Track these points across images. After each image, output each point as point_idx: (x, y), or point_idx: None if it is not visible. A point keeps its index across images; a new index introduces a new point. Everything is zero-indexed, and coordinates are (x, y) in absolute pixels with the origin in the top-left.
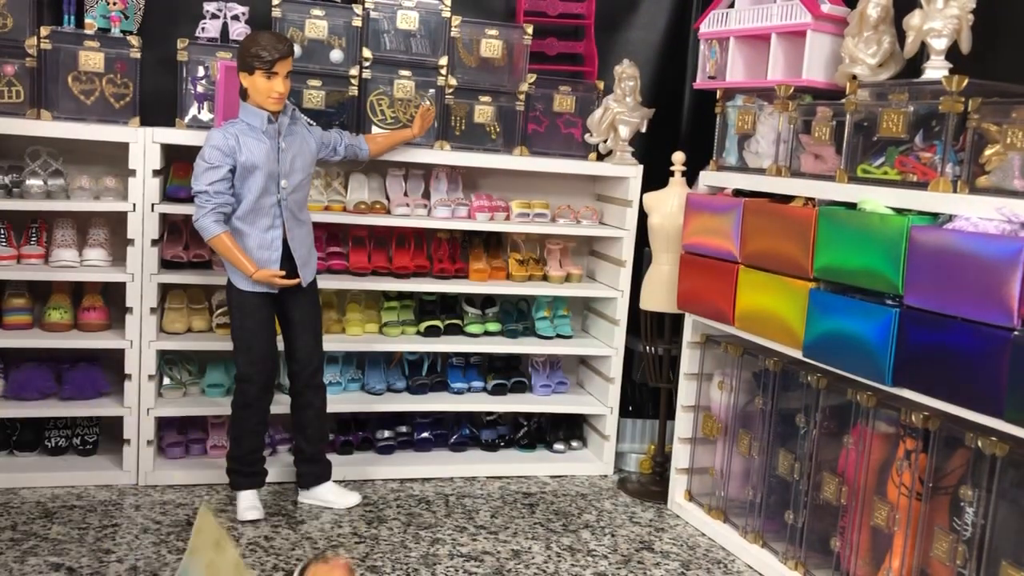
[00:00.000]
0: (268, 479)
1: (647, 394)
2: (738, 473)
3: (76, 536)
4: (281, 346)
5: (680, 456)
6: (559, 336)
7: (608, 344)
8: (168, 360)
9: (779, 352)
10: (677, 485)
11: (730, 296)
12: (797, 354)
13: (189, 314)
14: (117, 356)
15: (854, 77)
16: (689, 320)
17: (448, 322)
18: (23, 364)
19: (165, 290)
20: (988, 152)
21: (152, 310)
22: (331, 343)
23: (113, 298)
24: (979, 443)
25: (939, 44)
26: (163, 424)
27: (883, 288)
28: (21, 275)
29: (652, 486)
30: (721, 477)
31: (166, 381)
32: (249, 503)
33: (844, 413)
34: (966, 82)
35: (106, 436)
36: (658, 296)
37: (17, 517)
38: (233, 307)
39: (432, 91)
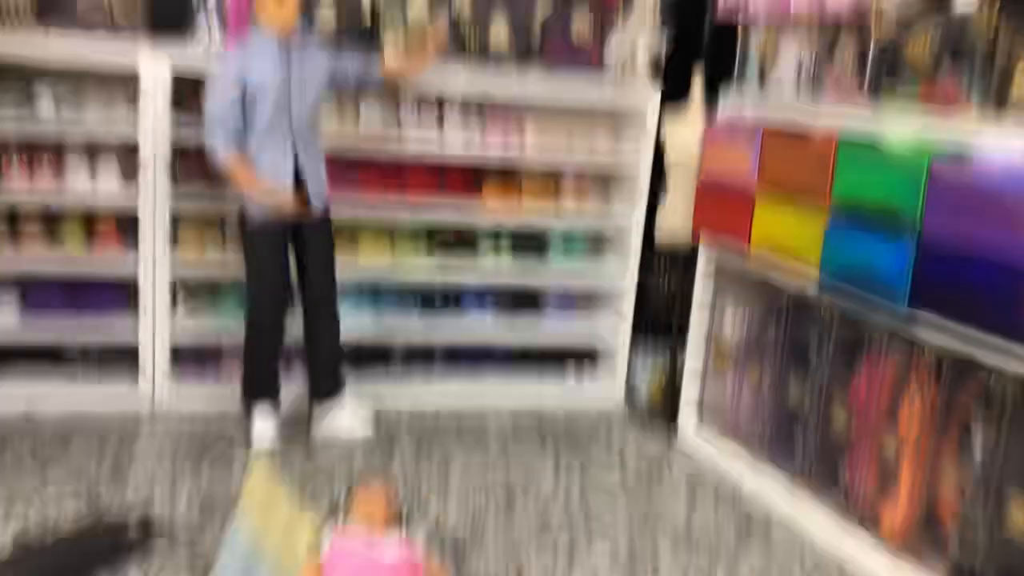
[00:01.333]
0: (282, 408)
1: (659, 325)
2: (748, 403)
3: (94, 462)
4: (295, 273)
5: (690, 386)
6: (573, 268)
7: (622, 275)
8: (183, 287)
9: (794, 283)
10: (687, 415)
11: (746, 226)
12: (812, 285)
13: (202, 243)
14: (131, 283)
15: (879, 2)
16: (704, 251)
17: (462, 253)
18: (38, 290)
19: (178, 218)
20: (1017, 79)
21: (165, 238)
22: (344, 274)
23: (126, 226)
24: (991, 375)
25: None
26: (178, 352)
27: (901, 219)
28: (35, 203)
29: (662, 416)
30: (731, 407)
31: (180, 310)
32: (264, 432)
33: (857, 344)
34: (996, 6)
35: (122, 361)
36: (674, 227)
37: (36, 440)
38: (245, 238)
39: (446, 13)
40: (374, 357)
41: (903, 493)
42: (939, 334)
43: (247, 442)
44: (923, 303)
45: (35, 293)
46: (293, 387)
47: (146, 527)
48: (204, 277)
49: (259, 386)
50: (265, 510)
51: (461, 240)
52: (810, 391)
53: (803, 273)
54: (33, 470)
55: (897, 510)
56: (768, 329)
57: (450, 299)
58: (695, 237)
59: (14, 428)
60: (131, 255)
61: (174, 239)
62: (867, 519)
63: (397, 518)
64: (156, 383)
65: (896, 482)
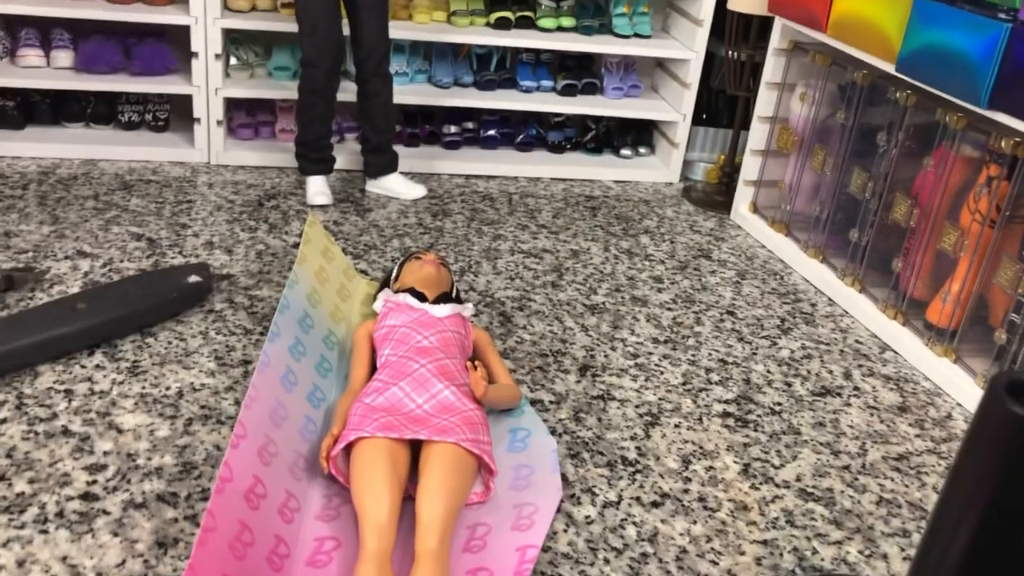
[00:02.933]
0: (336, 166)
1: (723, 102)
2: (807, 188)
3: (154, 209)
4: (347, 31)
5: (750, 168)
6: (637, 36)
7: (689, 47)
8: (234, 40)
9: (870, 65)
10: (743, 196)
11: (826, 0)
12: (890, 68)
13: None
14: (183, 33)
15: None
16: (778, 24)
17: (520, 14)
18: (91, 37)
19: None
20: None
21: None
22: (398, 31)
23: None
24: None
25: None
26: (232, 105)
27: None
28: None
29: (717, 196)
30: (789, 191)
31: (233, 61)
32: (318, 188)
33: (929, 134)
34: None
35: (177, 114)
36: None
37: (98, 187)
38: None
39: None
40: (426, 119)
41: (955, 286)
42: (1016, 134)
43: (303, 198)
44: (1005, 102)
45: (88, 47)
46: (347, 147)
47: (206, 273)
48: (255, 28)
49: (313, 163)
50: (321, 264)
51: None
52: (873, 178)
53: (881, 55)
54: (96, 214)
55: (949, 302)
56: (838, 111)
57: (505, 63)
58: (771, 7)
59: (77, 175)
60: (180, 2)
61: None
62: (916, 309)
63: (448, 286)
64: (211, 134)
65: (950, 275)
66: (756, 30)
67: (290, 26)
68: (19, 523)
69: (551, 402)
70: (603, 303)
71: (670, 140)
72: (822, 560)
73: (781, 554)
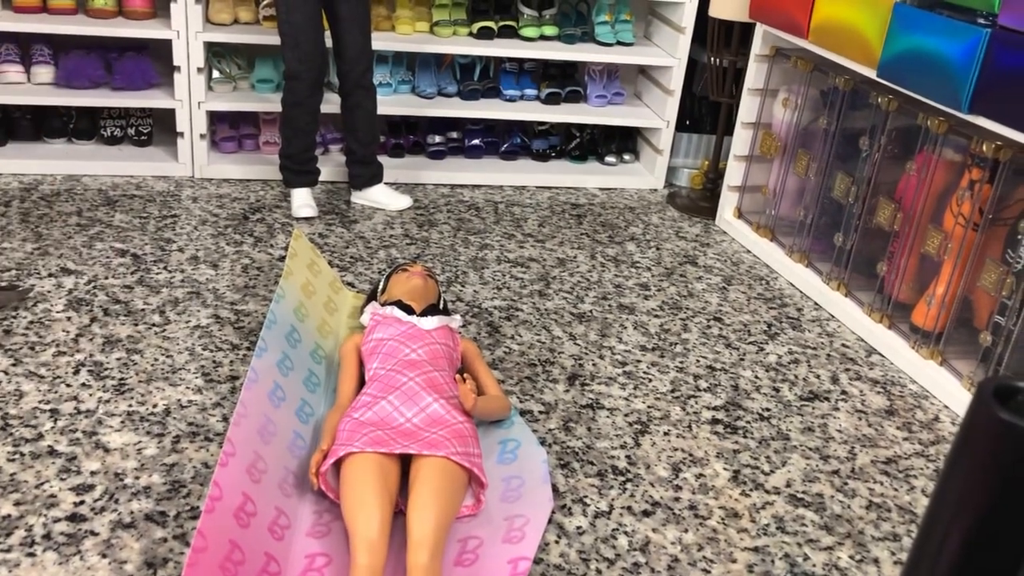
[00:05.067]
0: (321, 178)
1: (706, 108)
2: (791, 193)
3: (138, 224)
4: (329, 43)
5: (734, 173)
6: (619, 43)
7: (671, 54)
8: (216, 53)
9: (851, 70)
10: (727, 202)
11: (807, 6)
12: (871, 73)
13: (235, 5)
14: (165, 47)
15: None
16: (760, 30)
17: (502, 24)
18: (72, 52)
19: None
20: None
21: (197, 0)
22: (380, 42)
23: None
24: None
25: None
26: (215, 118)
27: (976, 5)
28: None
29: (702, 202)
30: (773, 196)
31: (215, 75)
32: (303, 201)
33: (911, 138)
34: None
35: (160, 128)
36: (729, 2)
37: (81, 203)
38: (280, 4)
39: None
40: (410, 130)
41: (940, 289)
42: (998, 138)
43: (288, 211)
44: (985, 107)
45: (68, 62)
46: (332, 159)
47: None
48: (237, 41)
49: (298, 176)
50: (308, 277)
51: (501, 9)
52: (857, 182)
53: (862, 60)
54: (80, 231)
55: (934, 305)
56: (821, 116)
57: (488, 73)
58: (752, 14)
59: (59, 191)
60: (162, 15)
61: (206, 0)
62: (901, 312)
63: (435, 298)
64: (195, 148)
65: (935, 278)
66: (738, 36)
67: (272, 39)
68: (5, 546)
69: (540, 412)
70: (590, 311)
71: (654, 147)
72: (813, 566)
73: (773, 561)
